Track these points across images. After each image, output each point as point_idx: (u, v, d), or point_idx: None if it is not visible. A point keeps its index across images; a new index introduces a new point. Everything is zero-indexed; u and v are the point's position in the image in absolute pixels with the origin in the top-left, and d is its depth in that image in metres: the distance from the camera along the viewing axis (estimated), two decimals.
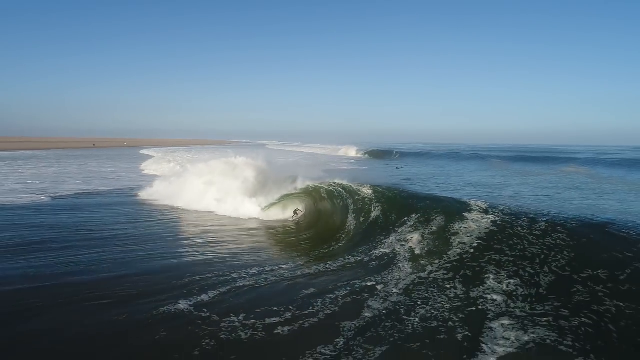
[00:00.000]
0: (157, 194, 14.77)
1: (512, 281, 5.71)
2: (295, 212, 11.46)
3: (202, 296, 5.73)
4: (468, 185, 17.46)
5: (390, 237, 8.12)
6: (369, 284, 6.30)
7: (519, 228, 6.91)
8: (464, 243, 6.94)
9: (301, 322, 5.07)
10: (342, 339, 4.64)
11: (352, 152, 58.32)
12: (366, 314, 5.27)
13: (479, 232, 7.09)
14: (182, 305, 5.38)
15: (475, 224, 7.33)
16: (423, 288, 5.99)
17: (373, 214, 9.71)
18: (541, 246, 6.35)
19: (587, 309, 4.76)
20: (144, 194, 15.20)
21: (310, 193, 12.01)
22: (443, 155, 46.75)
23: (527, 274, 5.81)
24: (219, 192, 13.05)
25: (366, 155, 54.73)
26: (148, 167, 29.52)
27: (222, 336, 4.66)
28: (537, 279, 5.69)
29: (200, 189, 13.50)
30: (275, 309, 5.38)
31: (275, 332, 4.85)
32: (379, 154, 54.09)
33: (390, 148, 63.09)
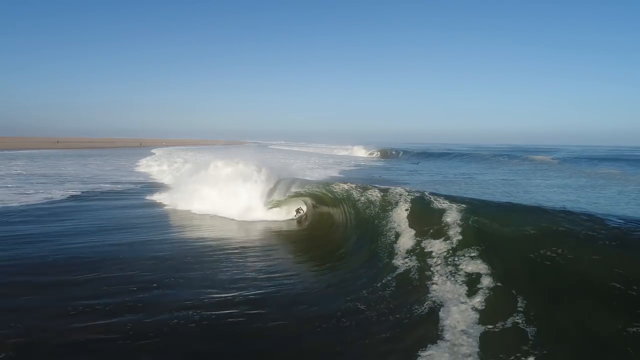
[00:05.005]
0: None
1: None
2: (297, 212, 11.10)
3: None
4: (450, 174, 24.53)
5: None
6: None
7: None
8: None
9: None
10: None
11: (362, 152, 59.88)
12: None
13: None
14: None
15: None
16: None
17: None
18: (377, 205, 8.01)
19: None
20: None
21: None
22: (445, 155, 49.96)
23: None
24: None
25: (378, 154, 56.71)
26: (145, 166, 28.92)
27: None
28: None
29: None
30: None
31: None
32: (392, 154, 55.58)
33: (396, 148, 63.88)
